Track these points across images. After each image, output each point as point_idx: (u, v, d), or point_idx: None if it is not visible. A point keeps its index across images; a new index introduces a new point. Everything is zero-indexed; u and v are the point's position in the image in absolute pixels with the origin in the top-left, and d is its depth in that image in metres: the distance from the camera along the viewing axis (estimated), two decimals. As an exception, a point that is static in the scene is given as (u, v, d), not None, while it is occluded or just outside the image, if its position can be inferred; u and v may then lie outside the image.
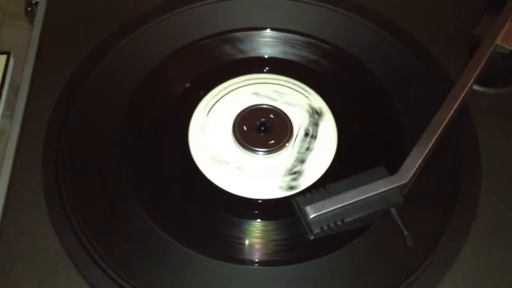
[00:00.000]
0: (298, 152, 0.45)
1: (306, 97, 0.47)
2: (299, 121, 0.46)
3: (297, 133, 0.45)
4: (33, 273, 0.39)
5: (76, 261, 0.39)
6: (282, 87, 0.48)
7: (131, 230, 0.41)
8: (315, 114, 0.46)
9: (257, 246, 0.41)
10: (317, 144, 0.45)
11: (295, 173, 0.44)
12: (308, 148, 0.45)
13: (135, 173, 0.43)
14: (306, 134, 0.45)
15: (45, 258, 0.40)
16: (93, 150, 0.45)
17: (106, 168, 0.43)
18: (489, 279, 0.40)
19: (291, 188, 0.43)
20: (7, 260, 0.39)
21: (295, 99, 0.47)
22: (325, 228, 0.39)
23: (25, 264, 0.39)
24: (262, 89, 0.48)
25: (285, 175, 0.44)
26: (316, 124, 0.46)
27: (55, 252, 0.40)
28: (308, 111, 0.46)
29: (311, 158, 0.44)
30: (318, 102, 0.47)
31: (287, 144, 0.44)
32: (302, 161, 0.44)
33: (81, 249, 0.39)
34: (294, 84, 0.48)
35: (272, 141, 0.44)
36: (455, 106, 0.43)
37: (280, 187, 0.43)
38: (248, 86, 0.48)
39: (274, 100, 0.47)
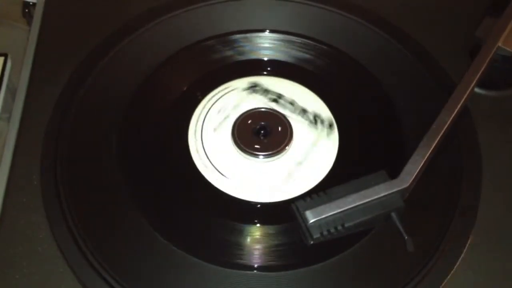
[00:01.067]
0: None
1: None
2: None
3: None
4: (31, 278, 0.39)
5: (73, 266, 0.39)
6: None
7: (130, 235, 0.40)
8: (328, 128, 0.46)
9: (256, 251, 0.40)
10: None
11: (317, 120, 0.44)
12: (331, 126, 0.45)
13: (134, 177, 0.43)
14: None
15: (43, 263, 0.39)
16: (92, 153, 0.44)
17: (105, 172, 0.43)
18: (490, 284, 0.39)
19: (331, 126, 0.43)
20: (4, 264, 0.39)
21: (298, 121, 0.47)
22: (325, 233, 0.39)
23: (22, 269, 0.39)
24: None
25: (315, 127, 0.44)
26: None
27: (53, 257, 0.39)
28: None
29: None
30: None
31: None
32: (331, 125, 0.44)
33: (79, 254, 0.39)
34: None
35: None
36: (456, 109, 0.43)
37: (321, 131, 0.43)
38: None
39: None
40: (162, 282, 0.38)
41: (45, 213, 0.41)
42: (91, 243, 0.39)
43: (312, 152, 0.45)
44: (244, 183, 0.43)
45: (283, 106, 0.45)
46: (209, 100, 0.47)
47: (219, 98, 0.47)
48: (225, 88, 0.48)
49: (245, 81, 0.48)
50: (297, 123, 0.46)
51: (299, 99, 0.47)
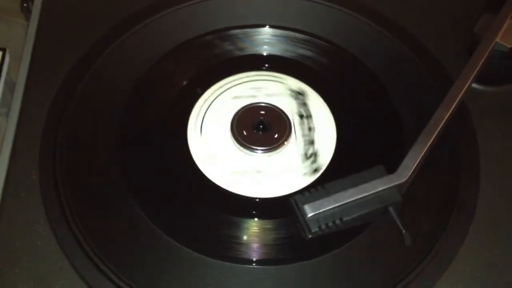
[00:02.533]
0: (304, 135, 0.44)
1: (283, 83, 0.47)
2: (289, 108, 0.46)
3: (292, 119, 0.45)
4: (30, 273, 0.39)
5: (72, 260, 0.39)
6: (259, 82, 0.48)
7: (129, 229, 0.41)
8: (299, 95, 0.46)
9: (255, 245, 0.40)
10: (315, 121, 0.45)
11: (311, 156, 0.43)
12: (310, 128, 0.44)
13: (133, 173, 0.43)
14: (301, 116, 0.45)
15: (42, 258, 0.39)
16: (91, 148, 0.44)
17: (104, 167, 0.43)
18: (487, 279, 0.40)
19: (316, 170, 0.43)
20: (3, 259, 0.39)
21: (273, 89, 0.47)
22: (323, 227, 0.39)
23: (21, 263, 0.39)
24: (241, 89, 0.48)
25: (303, 161, 0.43)
26: (304, 104, 0.45)
27: (52, 251, 0.39)
28: (290, 95, 0.46)
29: (317, 136, 0.45)
30: (295, 83, 0.47)
31: (285, 143, 0.44)
32: (312, 143, 0.44)
33: (78, 248, 0.39)
34: (269, 76, 0.48)
35: (272, 139, 0.44)
36: (453, 105, 0.43)
37: (304, 174, 0.43)
38: (231, 88, 0.48)
39: (254, 96, 0.47)
40: (161, 276, 0.39)
41: (44, 208, 0.41)
42: (90, 238, 0.39)
43: (313, 127, 0.45)
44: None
45: (302, 125, 0.45)
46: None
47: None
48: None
49: (297, 85, 0.47)
50: (287, 109, 0.46)
51: (319, 131, 0.46)
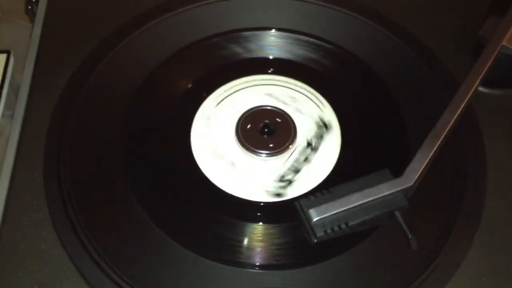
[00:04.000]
0: (295, 161, 0.44)
1: (319, 107, 0.46)
2: (305, 131, 0.45)
3: (299, 143, 0.45)
4: (34, 276, 0.39)
5: (77, 263, 0.39)
6: (297, 92, 0.47)
7: (133, 232, 0.40)
8: (323, 128, 0.45)
9: (258, 250, 0.40)
10: (316, 157, 0.44)
11: (285, 181, 0.43)
12: (306, 159, 0.44)
13: (137, 175, 0.43)
14: (308, 145, 0.45)
15: (46, 261, 0.39)
16: (95, 151, 0.44)
17: (108, 169, 0.43)
18: (494, 284, 0.39)
19: (277, 195, 0.42)
20: (8, 262, 0.39)
21: (307, 108, 0.47)
22: (328, 231, 0.39)
23: (25, 266, 0.39)
24: (276, 91, 0.47)
25: (276, 181, 0.43)
26: (321, 137, 0.45)
27: (56, 254, 0.39)
28: (317, 123, 0.46)
29: (305, 169, 0.44)
30: (329, 114, 0.46)
31: (290, 147, 0.44)
32: (296, 171, 0.43)
33: (82, 251, 0.39)
34: (309, 91, 0.47)
35: (273, 144, 0.44)
36: (460, 109, 0.43)
37: (267, 191, 0.43)
38: (257, 87, 0.48)
39: (286, 104, 0.46)
40: (165, 280, 0.38)
41: (48, 211, 0.41)
42: (95, 240, 0.39)
43: (309, 160, 0.44)
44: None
45: (302, 154, 0.45)
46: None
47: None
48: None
49: (318, 115, 0.46)
50: (304, 130, 0.46)
51: (311, 107, 0.46)
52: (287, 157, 0.44)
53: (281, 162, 0.44)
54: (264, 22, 0.51)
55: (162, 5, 0.51)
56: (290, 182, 0.43)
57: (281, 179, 0.43)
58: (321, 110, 0.47)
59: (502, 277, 0.40)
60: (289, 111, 0.46)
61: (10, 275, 0.39)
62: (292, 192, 0.43)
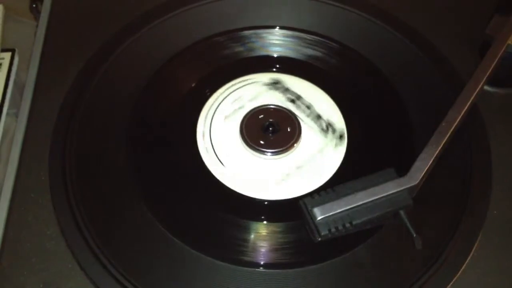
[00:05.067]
0: (308, 116, 0.45)
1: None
2: (278, 101, 0.46)
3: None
4: (39, 274, 0.39)
5: (82, 262, 0.39)
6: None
7: (138, 231, 0.40)
8: (276, 84, 0.46)
9: (263, 248, 0.40)
10: (307, 98, 0.45)
11: (328, 127, 0.44)
12: (308, 106, 0.45)
13: (142, 174, 0.43)
14: (292, 101, 0.45)
15: (51, 259, 0.39)
16: (100, 149, 0.44)
17: (113, 168, 0.43)
18: (499, 283, 0.39)
19: (341, 137, 0.44)
20: (13, 261, 0.39)
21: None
22: (333, 230, 0.38)
23: (30, 265, 0.39)
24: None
25: (325, 136, 0.44)
26: (287, 90, 0.45)
27: (61, 253, 0.39)
28: (322, 123, 0.46)
29: (319, 108, 0.45)
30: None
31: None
32: (319, 117, 0.44)
33: (87, 250, 0.39)
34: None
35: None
36: (465, 107, 0.42)
37: (336, 145, 0.43)
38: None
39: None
40: (169, 278, 0.38)
41: (53, 209, 0.41)
42: (100, 239, 0.39)
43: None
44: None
45: (300, 108, 0.45)
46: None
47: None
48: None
49: (267, 76, 0.47)
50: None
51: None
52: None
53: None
54: (269, 21, 0.51)
55: (167, 4, 0.51)
56: (330, 124, 0.44)
57: (325, 131, 0.44)
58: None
59: (507, 276, 0.39)
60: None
61: (15, 274, 0.39)
62: (340, 124, 0.43)
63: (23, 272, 0.39)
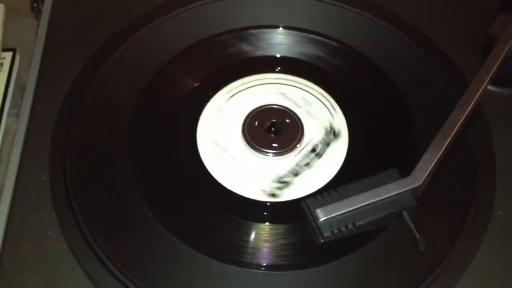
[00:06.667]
0: (296, 165, 0.44)
1: (331, 113, 0.46)
2: (313, 135, 0.45)
3: (305, 146, 0.44)
4: (40, 276, 0.39)
5: (83, 263, 0.38)
6: (308, 93, 0.47)
7: (139, 231, 0.40)
8: (331, 135, 0.45)
9: (264, 250, 0.40)
10: (318, 163, 0.44)
11: (283, 183, 0.43)
12: (307, 164, 0.44)
13: (143, 174, 0.43)
14: (313, 150, 0.44)
15: (52, 260, 0.39)
16: (101, 149, 0.44)
17: (114, 168, 0.43)
18: (504, 285, 0.39)
19: (273, 195, 0.42)
20: (13, 262, 0.39)
21: (318, 111, 0.46)
22: (335, 231, 0.38)
23: (31, 266, 0.39)
24: (288, 90, 0.47)
25: (273, 181, 0.43)
26: (327, 144, 0.44)
27: (62, 254, 0.39)
28: (326, 128, 0.45)
29: (305, 174, 0.43)
30: (340, 122, 0.46)
31: (297, 146, 0.44)
32: (295, 174, 0.43)
33: (88, 251, 0.39)
34: (320, 93, 0.47)
35: (278, 144, 0.44)
36: (469, 107, 0.42)
37: (263, 190, 0.42)
38: (269, 86, 0.48)
39: (299, 106, 0.46)
40: (170, 279, 0.38)
41: (54, 210, 0.41)
42: (101, 240, 0.39)
43: (311, 166, 0.44)
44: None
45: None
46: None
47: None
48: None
49: (341, 121, 0.46)
50: (311, 128, 0.45)
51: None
52: (291, 157, 0.44)
53: (287, 162, 0.44)
54: (272, 20, 0.51)
55: (170, 2, 0.51)
56: (287, 184, 0.42)
57: (279, 180, 0.43)
58: (330, 112, 0.46)
59: (512, 278, 0.39)
60: (299, 112, 0.45)
61: (16, 275, 0.38)
62: (287, 196, 0.42)
63: (23, 273, 0.39)
